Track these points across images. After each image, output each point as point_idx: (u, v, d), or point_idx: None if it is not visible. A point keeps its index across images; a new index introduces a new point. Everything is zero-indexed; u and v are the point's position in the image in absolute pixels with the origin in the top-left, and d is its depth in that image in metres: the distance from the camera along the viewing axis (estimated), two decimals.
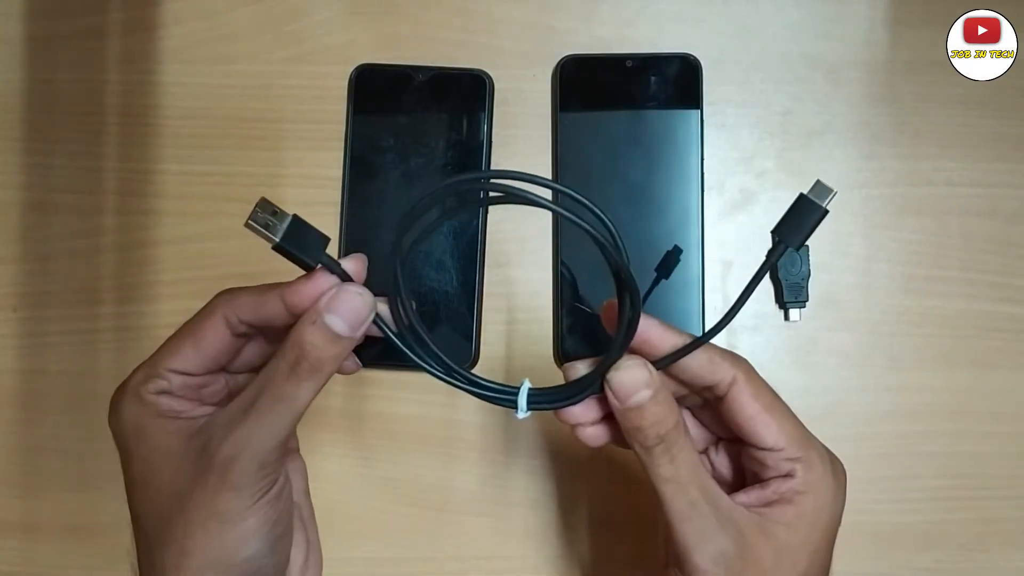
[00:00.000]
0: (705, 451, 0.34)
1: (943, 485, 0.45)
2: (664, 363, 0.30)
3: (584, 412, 0.31)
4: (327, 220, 0.47)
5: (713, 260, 0.46)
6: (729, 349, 0.31)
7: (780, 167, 0.47)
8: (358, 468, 0.46)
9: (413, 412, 0.46)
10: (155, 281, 0.47)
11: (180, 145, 0.48)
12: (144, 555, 0.30)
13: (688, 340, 0.30)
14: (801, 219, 0.29)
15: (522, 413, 0.30)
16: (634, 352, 0.30)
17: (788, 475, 0.30)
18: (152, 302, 0.47)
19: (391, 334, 0.30)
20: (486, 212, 0.47)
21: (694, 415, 0.34)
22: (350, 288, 0.29)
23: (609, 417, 0.31)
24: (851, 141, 0.47)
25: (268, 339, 0.32)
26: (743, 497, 0.31)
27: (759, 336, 0.46)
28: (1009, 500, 0.45)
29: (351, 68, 0.48)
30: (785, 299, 0.45)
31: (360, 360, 0.33)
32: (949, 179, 0.47)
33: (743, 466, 0.32)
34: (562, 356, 0.45)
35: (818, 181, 0.29)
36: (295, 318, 0.29)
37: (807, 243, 0.45)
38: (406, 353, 0.30)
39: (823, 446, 0.31)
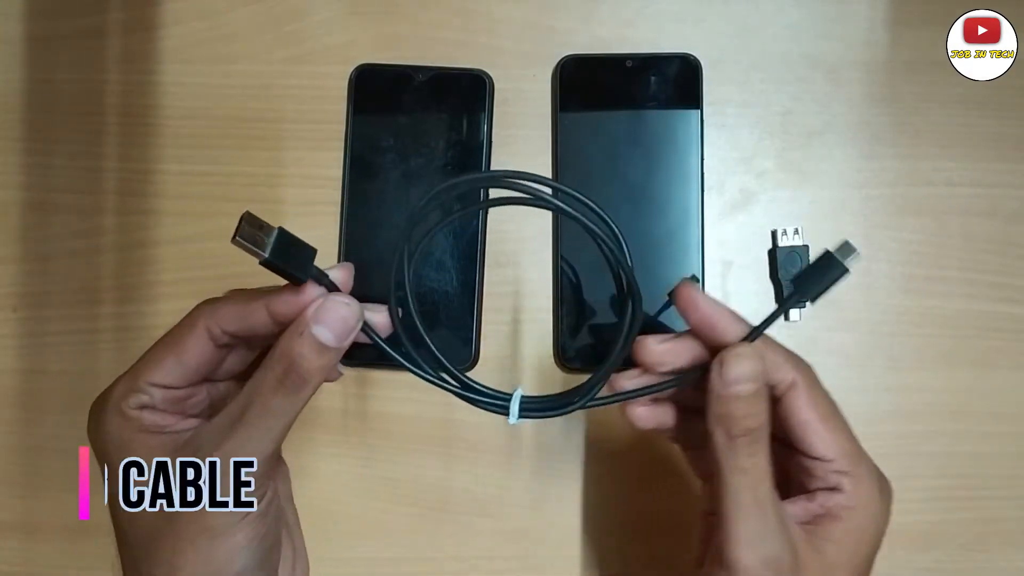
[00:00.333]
0: None
1: (943, 485, 0.45)
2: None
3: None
4: (327, 220, 0.47)
5: (713, 260, 0.46)
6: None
7: (780, 167, 0.47)
8: (358, 468, 0.46)
9: (413, 412, 0.46)
10: (155, 281, 0.47)
11: (180, 145, 0.48)
12: (131, 571, 0.30)
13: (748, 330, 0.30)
14: (823, 275, 0.31)
15: (513, 419, 0.30)
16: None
17: (835, 488, 0.30)
18: (152, 302, 0.47)
19: (380, 341, 0.30)
20: (486, 212, 0.47)
21: None
22: (337, 298, 0.29)
23: (664, 403, 0.31)
24: (851, 141, 0.47)
25: (250, 347, 0.32)
26: (790, 508, 0.30)
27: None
28: (1009, 500, 0.45)
29: (351, 68, 0.48)
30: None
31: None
32: (949, 179, 0.47)
33: (788, 470, 0.32)
34: (562, 356, 0.45)
35: (846, 242, 0.30)
36: (281, 327, 0.29)
37: (807, 243, 0.45)
38: (396, 359, 0.30)
39: (872, 463, 0.31)
